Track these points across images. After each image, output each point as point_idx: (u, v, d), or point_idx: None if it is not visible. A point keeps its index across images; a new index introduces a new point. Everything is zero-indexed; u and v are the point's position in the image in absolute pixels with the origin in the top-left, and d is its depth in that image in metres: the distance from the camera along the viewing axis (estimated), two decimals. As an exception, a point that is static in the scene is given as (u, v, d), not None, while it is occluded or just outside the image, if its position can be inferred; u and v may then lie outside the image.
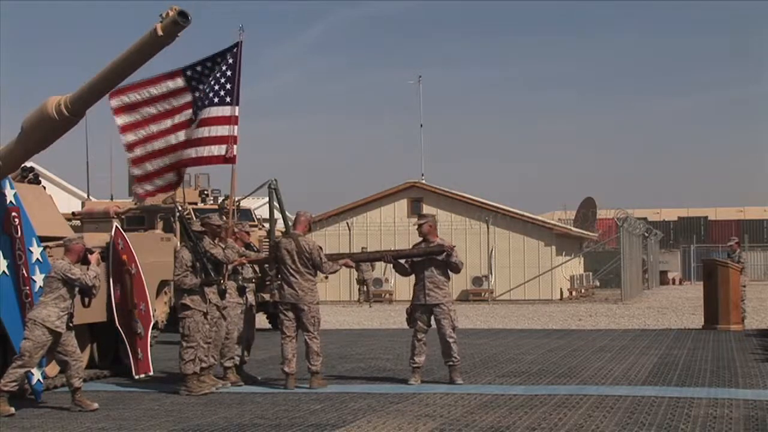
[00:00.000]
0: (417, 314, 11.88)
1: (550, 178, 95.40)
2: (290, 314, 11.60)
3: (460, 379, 11.76)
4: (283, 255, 11.58)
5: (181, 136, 12.26)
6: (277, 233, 19.92)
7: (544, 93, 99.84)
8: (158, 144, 12.25)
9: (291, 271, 11.55)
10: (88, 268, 10.36)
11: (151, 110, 12.18)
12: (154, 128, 12.23)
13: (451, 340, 11.75)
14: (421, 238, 12.04)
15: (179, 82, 12.19)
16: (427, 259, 11.80)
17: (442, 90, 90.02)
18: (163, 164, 12.30)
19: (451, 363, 11.84)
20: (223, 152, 12.31)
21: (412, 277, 12.02)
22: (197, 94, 12.22)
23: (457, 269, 11.90)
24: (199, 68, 12.29)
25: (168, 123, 12.21)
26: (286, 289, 11.59)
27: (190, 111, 12.21)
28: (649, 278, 42.66)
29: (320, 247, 11.80)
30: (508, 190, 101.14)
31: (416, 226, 12.14)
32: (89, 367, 12.36)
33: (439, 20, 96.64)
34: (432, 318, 11.88)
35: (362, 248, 31.16)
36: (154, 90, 12.17)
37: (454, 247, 11.97)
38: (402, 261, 12.15)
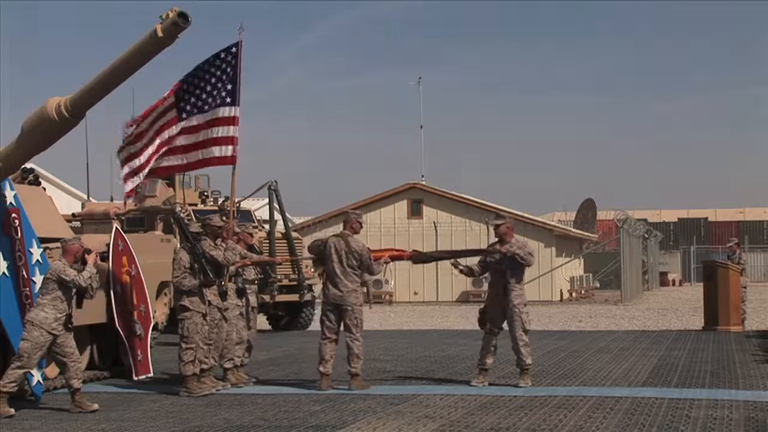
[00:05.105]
0: (490, 315, 11.72)
1: (550, 180, 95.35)
2: (332, 315, 11.47)
3: (524, 383, 11.45)
4: (332, 254, 11.42)
5: (182, 140, 12.47)
6: (278, 234, 20.05)
7: (543, 94, 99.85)
8: (147, 147, 12.50)
9: (337, 271, 11.40)
10: (84, 269, 10.36)
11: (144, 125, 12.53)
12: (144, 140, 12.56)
13: (521, 343, 11.49)
14: (497, 239, 11.81)
15: (170, 99, 12.44)
16: (505, 261, 11.58)
17: (442, 91, 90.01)
18: (157, 165, 12.56)
19: (520, 366, 11.58)
20: (229, 153, 12.40)
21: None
22: (193, 100, 12.38)
23: (527, 263, 11.58)
24: (196, 74, 12.45)
25: (151, 133, 12.51)
26: (330, 289, 11.42)
27: (174, 126, 12.45)
28: (649, 279, 42.59)
29: (369, 249, 11.69)
30: (508, 191, 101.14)
31: (494, 227, 11.88)
32: (89, 368, 12.35)
33: (438, 22, 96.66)
34: (505, 319, 11.69)
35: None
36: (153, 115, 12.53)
37: (521, 247, 11.59)
38: (473, 266, 12.06)
